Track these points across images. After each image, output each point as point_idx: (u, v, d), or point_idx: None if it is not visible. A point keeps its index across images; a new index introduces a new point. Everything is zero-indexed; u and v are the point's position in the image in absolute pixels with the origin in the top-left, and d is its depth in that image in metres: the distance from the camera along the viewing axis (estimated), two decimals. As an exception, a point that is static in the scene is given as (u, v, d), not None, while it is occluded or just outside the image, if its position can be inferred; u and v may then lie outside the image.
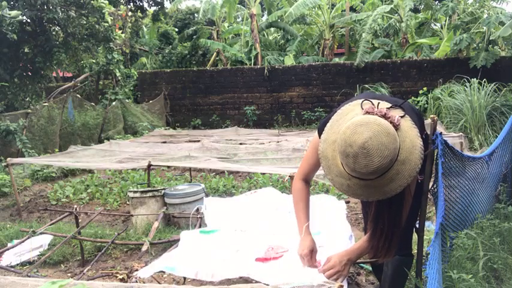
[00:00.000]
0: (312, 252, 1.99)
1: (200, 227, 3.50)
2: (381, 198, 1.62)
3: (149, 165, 5.11)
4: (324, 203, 3.02)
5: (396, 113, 1.61)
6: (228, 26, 17.26)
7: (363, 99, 1.65)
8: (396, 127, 1.55)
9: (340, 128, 1.60)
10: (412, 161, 1.55)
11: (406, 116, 1.62)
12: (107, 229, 4.63)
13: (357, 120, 1.54)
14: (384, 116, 1.55)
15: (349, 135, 1.50)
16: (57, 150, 8.32)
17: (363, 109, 1.62)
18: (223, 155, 6.52)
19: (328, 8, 14.82)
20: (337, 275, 1.87)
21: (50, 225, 3.87)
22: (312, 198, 3.34)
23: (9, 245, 3.87)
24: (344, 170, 1.59)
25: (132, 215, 4.66)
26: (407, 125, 1.60)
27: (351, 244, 2.35)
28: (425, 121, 2.01)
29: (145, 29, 17.53)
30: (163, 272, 2.68)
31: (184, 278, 2.81)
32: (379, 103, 1.64)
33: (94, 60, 12.06)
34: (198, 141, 7.95)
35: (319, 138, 1.76)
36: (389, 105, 1.65)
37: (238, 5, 15.62)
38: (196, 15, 21.27)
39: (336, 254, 1.94)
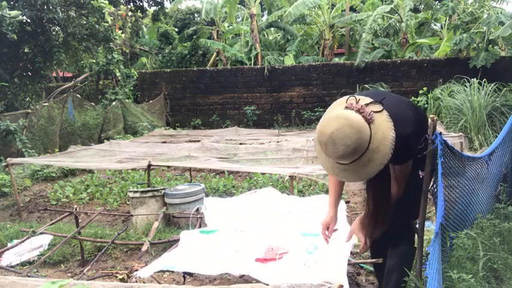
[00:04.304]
0: (329, 227, 2.29)
1: (200, 227, 3.50)
2: (358, 180, 1.91)
3: (149, 165, 5.11)
4: (324, 203, 3.01)
5: (373, 108, 1.82)
6: (228, 26, 17.26)
7: (349, 96, 1.91)
8: (368, 120, 1.78)
9: None
10: (383, 150, 1.77)
11: (384, 111, 1.83)
12: (107, 229, 4.63)
13: (332, 114, 1.83)
14: (359, 111, 1.78)
15: (323, 126, 1.79)
16: (57, 150, 8.31)
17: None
18: (223, 155, 6.52)
19: (328, 8, 14.81)
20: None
21: (50, 225, 3.86)
22: (312, 198, 3.35)
23: (9, 245, 3.87)
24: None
25: (132, 215, 4.66)
26: (383, 119, 1.81)
27: (350, 244, 2.36)
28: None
29: (145, 29, 17.53)
30: (163, 271, 2.69)
31: (184, 278, 2.81)
32: (359, 99, 1.85)
33: (94, 60, 12.04)
34: (198, 141, 7.95)
35: None
36: (370, 100, 1.86)
37: (238, 5, 15.61)
38: (196, 15, 21.28)
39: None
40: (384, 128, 1.79)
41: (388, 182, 2.02)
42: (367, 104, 1.84)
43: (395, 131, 1.84)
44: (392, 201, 2.14)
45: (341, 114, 1.79)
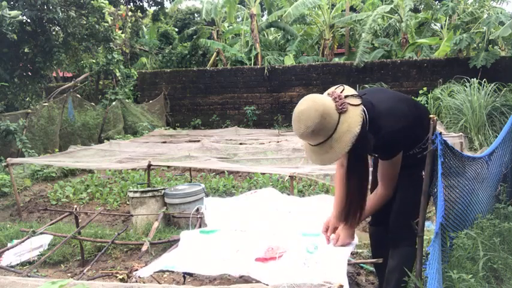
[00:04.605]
0: (328, 227, 2.34)
1: (200, 227, 3.49)
2: (320, 164, 2.00)
3: (149, 165, 5.11)
4: (324, 204, 3.01)
5: (350, 101, 1.88)
6: (228, 26, 17.26)
7: (339, 85, 1.99)
8: (339, 110, 1.85)
9: None
10: (343, 141, 1.85)
11: (360, 106, 1.88)
12: (107, 229, 4.63)
13: (307, 96, 1.93)
14: (335, 99, 1.87)
15: (297, 105, 1.91)
16: (57, 150, 8.31)
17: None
18: (223, 155, 6.52)
19: (328, 8, 14.81)
20: (340, 240, 2.25)
21: (50, 225, 3.86)
22: (312, 198, 3.35)
23: (9, 245, 3.87)
24: None
25: (132, 215, 4.66)
26: (355, 113, 1.86)
27: (350, 244, 2.36)
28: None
29: (145, 29, 17.52)
30: (163, 271, 2.68)
31: (184, 278, 2.81)
32: (344, 90, 1.93)
33: (94, 60, 12.04)
34: (198, 141, 7.95)
35: None
36: (353, 93, 1.92)
37: (238, 5, 15.61)
38: (196, 15, 21.27)
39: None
40: (352, 121, 1.84)
41: (364, 178, 2.06)
42: (347, 96, 1.89)
43: (385, 125, 1.93)
44: (380, 201, 2.17)
45: (314, 97, 1.89)
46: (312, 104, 1.86)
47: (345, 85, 1.96)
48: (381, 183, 2.16)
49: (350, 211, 2.13)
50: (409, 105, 2.11)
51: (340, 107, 1.85)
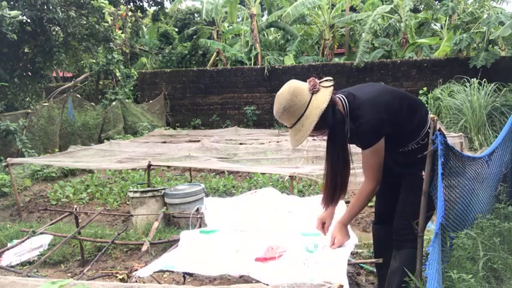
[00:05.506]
0: (324, 223, 2.40)
1: (200, 227, 3.50)
2: (294, 145, 2.13)
3: (149, 165, 5.11)
4: (324, 203, 3.01)
5: (324, 84, 2.06)
6: (228, 26, 17.25)
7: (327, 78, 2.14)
8: (311, 90, 2.03)
9: None
10: (311, 117, 2.00)
11: (330, 88, 2.04)
12: (107, 229, 4.63)
13: (288, 81, 2.11)
14: (309, 82, 2.06)
15: None
16: (57, 150, 8.31)
17: None
18: (223, 155, 6.52)
19: (328, 8, 14.81)
20: (337, 241, 2.29)
21: (50, 225, 3.86)
22: (312, 198, 3.35)
23: (9, 245, 3.87)
24: None
25: (132, 215, 4.66)
26: (324, 93, 2.03)
27: (351, 244, 2.36)
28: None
29: (145, 29, 17.51)
30: (163, 271, 2.68)
31: (184, 278, 2.81)
32: (323, 78, 2.10)
33: (94, 60, 12.04)
34: (198, 141, 7.94)
35: None
36: (328, 79, 2.08)
37: (239, 5, 15.60)
38: (196, 15, 21.26)
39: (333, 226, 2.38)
40: (320, 99, 2.00)
41: (338, 162, 2.16)
42: (321, 81, 2.08)
43: (362, 114, 2.01)
44: (365, 195, 2.20)
45: (291, 81, 2.09)
46: (287, 87, 2.05)
47: (327, 78, 2.12)
48: (364, 175, 2.18)
49: (325, 193, 2.28)
50: (395, 98, 2.11)
51: (312, 87, 2.03)
